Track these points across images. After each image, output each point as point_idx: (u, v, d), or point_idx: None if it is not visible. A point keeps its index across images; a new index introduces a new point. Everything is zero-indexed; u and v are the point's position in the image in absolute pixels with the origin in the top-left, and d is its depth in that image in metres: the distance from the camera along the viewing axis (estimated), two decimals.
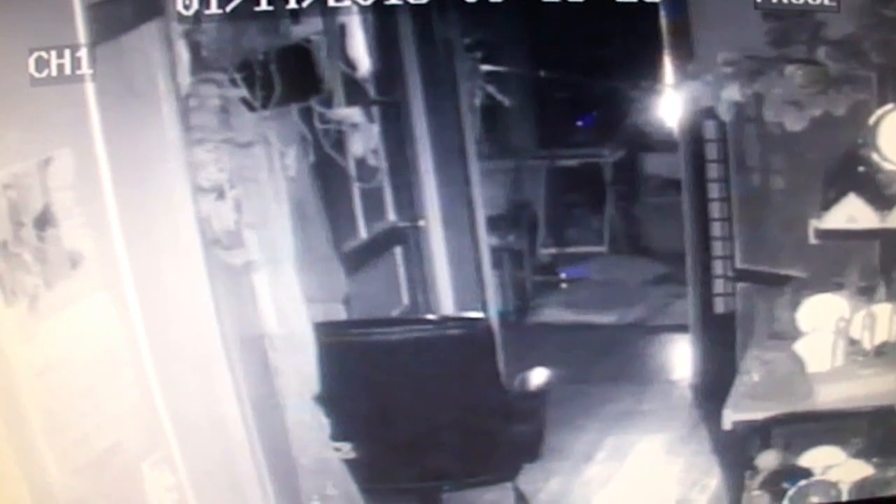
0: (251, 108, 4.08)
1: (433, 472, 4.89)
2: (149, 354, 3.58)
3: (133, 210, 3.57)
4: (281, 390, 4.34)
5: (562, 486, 5.54)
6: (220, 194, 3.94)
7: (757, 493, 4.55)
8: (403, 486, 4.92)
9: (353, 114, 5.24)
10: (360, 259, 5.73)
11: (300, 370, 4.39)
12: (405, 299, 6.30)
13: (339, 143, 5.29)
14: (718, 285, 6.06)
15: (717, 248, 5.97)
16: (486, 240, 6.52)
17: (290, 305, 4.36)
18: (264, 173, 4.17)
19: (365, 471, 4.60)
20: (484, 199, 6.55)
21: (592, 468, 5.72)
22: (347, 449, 4.55)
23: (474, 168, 6.49)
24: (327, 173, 5.18)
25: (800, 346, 4.72)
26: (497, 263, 6.87)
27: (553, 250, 8.00)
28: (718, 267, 6.01)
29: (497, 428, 4.93)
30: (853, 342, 4.72)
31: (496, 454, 4.98)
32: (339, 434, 4.52)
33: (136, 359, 3.56)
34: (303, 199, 4.68)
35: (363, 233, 5.91)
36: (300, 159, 4.57)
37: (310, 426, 4.43)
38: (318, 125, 4.99)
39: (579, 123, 7.76)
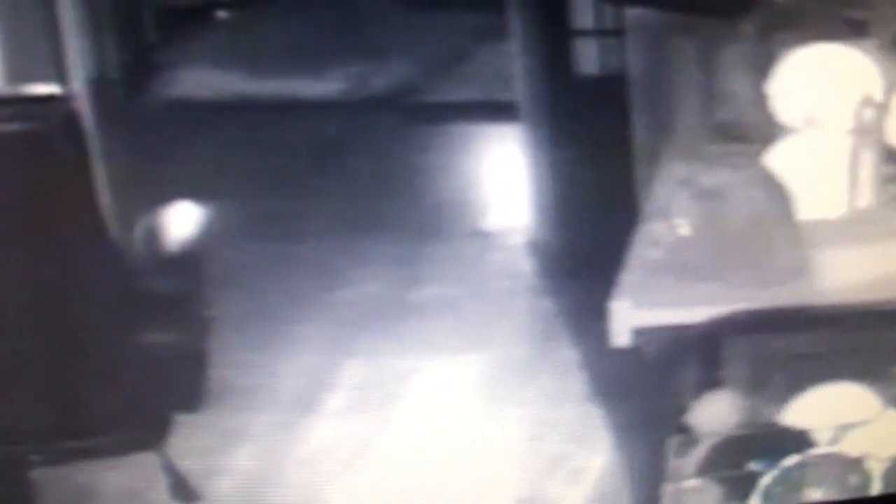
0: None
1: (9, 429, 4.15)
2: None
3: None
4: None
5: (260, 460, 3.83)
6: None
7: (692, 483, 3.38)
8: None
9: None
10: None
11: None
12: None
13: None
14: (584, 15, 4.41)
15: None
16: None
17: None
18: None
19: None
20: None
21: (322, 426, 3.84)
22: None
23: None
24: None
25: (777, 160, 3.66)
26: None
27: None
28: None
29: (112, 334, 4.01)
30: (893, 154, 3.69)
31: (120, 393, 4.03)
32: None
33: None
34: None
35: None
36: None
37: None
38: None
39: None
